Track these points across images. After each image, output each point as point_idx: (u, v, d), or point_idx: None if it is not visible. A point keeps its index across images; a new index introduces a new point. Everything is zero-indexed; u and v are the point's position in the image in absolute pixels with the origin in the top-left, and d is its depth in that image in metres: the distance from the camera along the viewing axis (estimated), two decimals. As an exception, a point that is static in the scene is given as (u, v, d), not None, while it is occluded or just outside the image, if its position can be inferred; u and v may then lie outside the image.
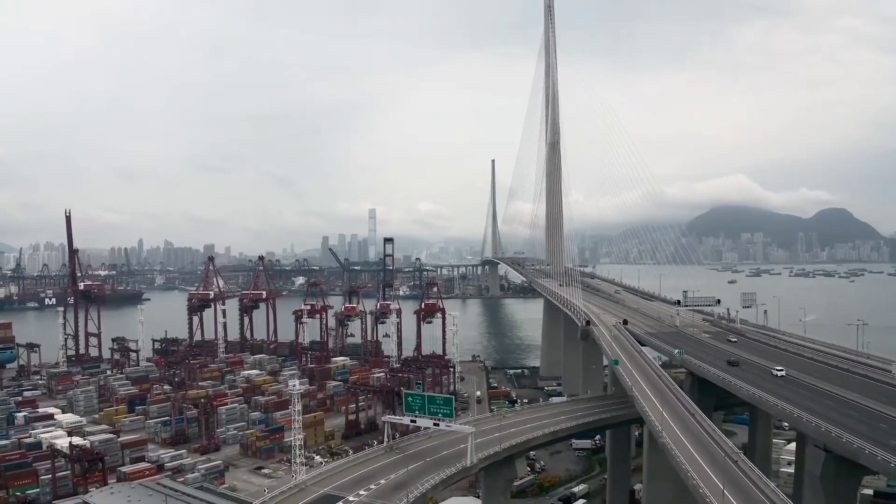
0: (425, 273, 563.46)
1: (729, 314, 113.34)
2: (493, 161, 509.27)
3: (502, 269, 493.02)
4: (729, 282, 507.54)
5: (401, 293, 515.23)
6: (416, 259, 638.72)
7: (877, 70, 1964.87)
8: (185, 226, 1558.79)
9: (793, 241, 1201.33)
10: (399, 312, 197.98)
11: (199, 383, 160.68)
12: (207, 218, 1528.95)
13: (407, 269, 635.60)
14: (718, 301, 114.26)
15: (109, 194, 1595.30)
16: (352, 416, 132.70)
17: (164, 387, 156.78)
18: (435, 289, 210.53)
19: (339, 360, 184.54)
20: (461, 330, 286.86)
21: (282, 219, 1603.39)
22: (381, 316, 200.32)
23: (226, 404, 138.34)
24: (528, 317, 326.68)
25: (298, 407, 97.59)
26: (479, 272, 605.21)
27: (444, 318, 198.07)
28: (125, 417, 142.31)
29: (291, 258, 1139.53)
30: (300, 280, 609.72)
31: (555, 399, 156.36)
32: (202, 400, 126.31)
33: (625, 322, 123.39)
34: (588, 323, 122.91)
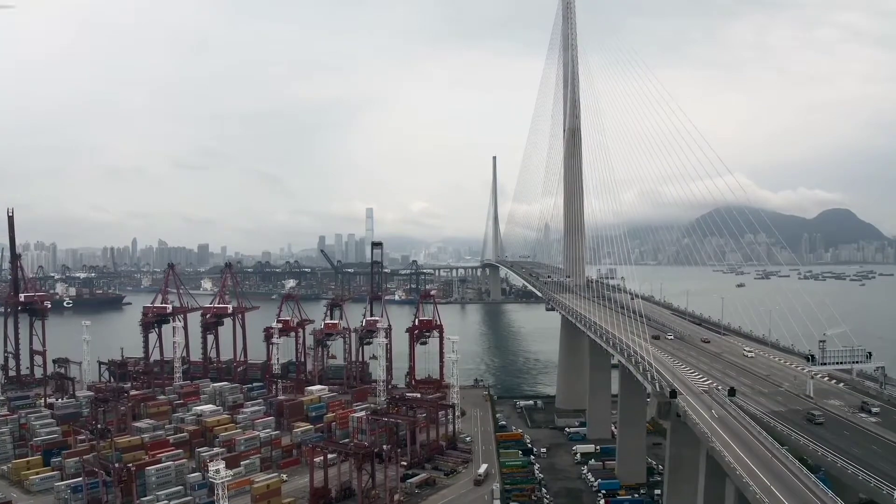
0: (422, 276, 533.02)
1: (884, 375, 76.71)
2: (493, 158, 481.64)
3: (503, 270, 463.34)
4: (737, 285, 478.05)
5: (396, 298, 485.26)
6: (413, 262, 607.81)
7: (877, 67, 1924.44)
8: (179, 225, 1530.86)
9: (796, 242, 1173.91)
10: (388, 331, 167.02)
11: (138, 424, 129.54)
12: (200, 217, 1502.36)
13: (403, 271, 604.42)
14: (870, 355, 77.48)
15: (98, 193, 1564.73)
16: (319, 481, 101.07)
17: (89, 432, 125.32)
18: (430, 299, 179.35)
19: (316, 389, 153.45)
20: (461, 343, 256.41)
21: (278, 218, 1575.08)
22: (366, 335, 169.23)
23: (159, 460, 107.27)
24: (534, 326, 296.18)
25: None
26: (478, 274, 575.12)
27: (441, 338, 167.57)
28: (36, 474, 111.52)
29: (288, 258, 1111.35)
30: (291, 283, 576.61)
31: (580, 447, 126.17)
32: (115, 464, 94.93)
33: (731, 392, 75.41)
34: (673, 394, 75.15)
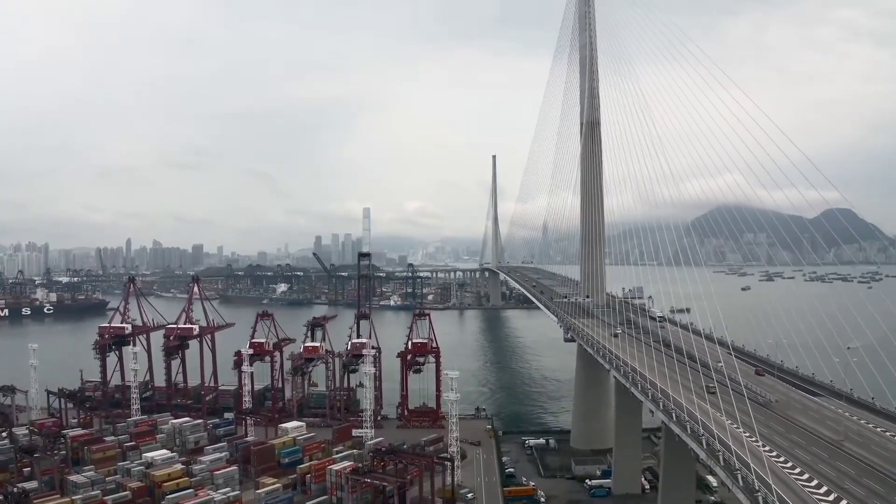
0: (419, 279, 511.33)
1: None
2: (493, 157, 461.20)
3: (504, 274, 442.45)
4: (742, 288, 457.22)
5: (391, 303, 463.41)
6: (409, 264, 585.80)
7: (876, 66, 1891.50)
8: (174, 225, 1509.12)
9: (797, 242, 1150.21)
10: (377, 357, 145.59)
11: (75, 478, 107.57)
12: (196, 217, 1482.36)
13: (400, 272, 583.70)
14: None
15: (92, 193, 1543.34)
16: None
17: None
18: (426, 317, 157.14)
19: (291, 427, 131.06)
20: (459, 359, 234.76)
21: (275, 218, 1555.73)
22: (352, 361, 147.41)
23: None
24: (537, 336, 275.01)
25: None
26: (477, 276, 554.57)
27: (437, 363, 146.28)
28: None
29: (285, 258, 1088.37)
30: (282, 287, 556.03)
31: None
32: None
33: None
34: None
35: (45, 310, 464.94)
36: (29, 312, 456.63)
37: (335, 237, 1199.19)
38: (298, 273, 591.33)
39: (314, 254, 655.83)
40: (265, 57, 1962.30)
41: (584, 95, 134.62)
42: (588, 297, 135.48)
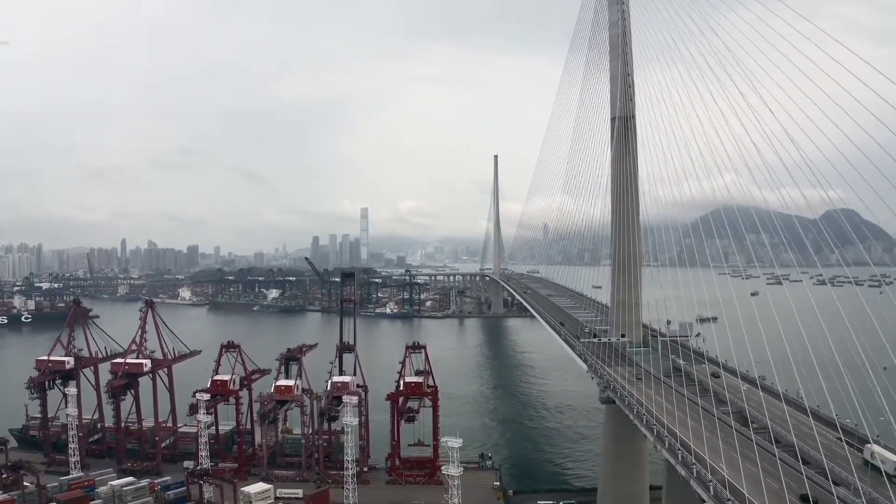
0: (416, 285, 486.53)
1: None
2: (495, 157, 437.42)
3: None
4: (751, 293, 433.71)
5: (388, 311, 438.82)
6: (407, 270, 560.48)
7: (876, 62, 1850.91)
8: (168, 225, 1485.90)
9: (801, 243, 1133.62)
10: (363, 398, 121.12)
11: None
12: (190, 217, 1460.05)
13: (398, 275, 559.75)
14: None
15: (83, 192, 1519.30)
16: None
17: None
18: (421, 350, 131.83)
19: (255, 490, 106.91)
20: (459, 382, 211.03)
21: (270, 217, 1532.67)
22: (331, 406, 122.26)
23: None
24: (544, 354, 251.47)
25: None
26: (477, 280, 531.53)
27: (435, 408, 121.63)
28: None
29: (283, 258, 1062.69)
30: (274, 293, 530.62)
31: None
32: None
33: None
34: None
35: (22, 318, 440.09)
36: (6, 321, 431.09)
37: (333, 237, 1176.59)
38: (291, 278, 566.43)
39: (307, 258, 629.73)
40: (259, 56, 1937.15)
41: (618, 83, 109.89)
42: (623, 335, 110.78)
